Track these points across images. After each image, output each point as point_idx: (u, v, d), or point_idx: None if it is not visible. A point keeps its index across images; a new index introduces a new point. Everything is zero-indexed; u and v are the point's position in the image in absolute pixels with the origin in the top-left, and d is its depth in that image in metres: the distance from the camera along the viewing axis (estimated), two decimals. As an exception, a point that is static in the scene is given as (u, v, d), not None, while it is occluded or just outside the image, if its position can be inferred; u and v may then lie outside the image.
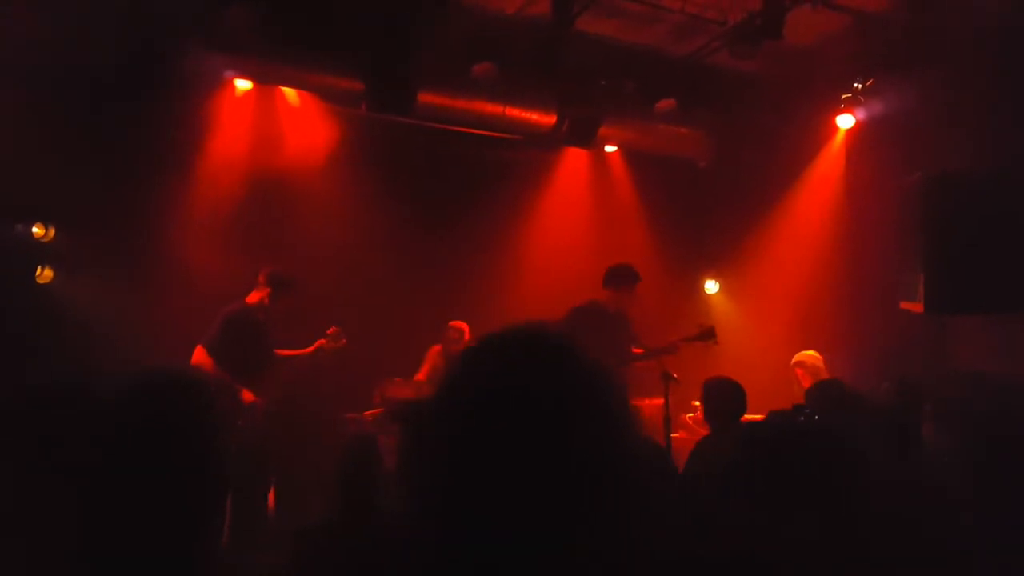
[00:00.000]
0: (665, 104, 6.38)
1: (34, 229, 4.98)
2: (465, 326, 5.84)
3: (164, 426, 1.20)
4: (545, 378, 0.85)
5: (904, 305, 4.79)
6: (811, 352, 4.80)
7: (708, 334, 4.97)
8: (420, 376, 5.85)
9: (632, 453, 0.86)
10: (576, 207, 7.15)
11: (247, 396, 4.65)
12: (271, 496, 4.95)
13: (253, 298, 4.89)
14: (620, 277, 5.25)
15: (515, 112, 6.18)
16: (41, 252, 5.00)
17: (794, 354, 4.93)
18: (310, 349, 5.08)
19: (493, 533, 0.80)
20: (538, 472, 0.80)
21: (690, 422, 6.07)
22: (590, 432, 0.83)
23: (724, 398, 3.74)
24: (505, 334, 0.92)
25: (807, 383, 4.60)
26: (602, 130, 6.46)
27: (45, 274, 5.02)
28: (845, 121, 6.12)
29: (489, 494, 0.81)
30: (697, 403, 6.01)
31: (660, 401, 4.81)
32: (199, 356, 4.63)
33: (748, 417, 3.90)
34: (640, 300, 5.45)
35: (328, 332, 5.06)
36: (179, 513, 1.18)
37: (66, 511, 1.19)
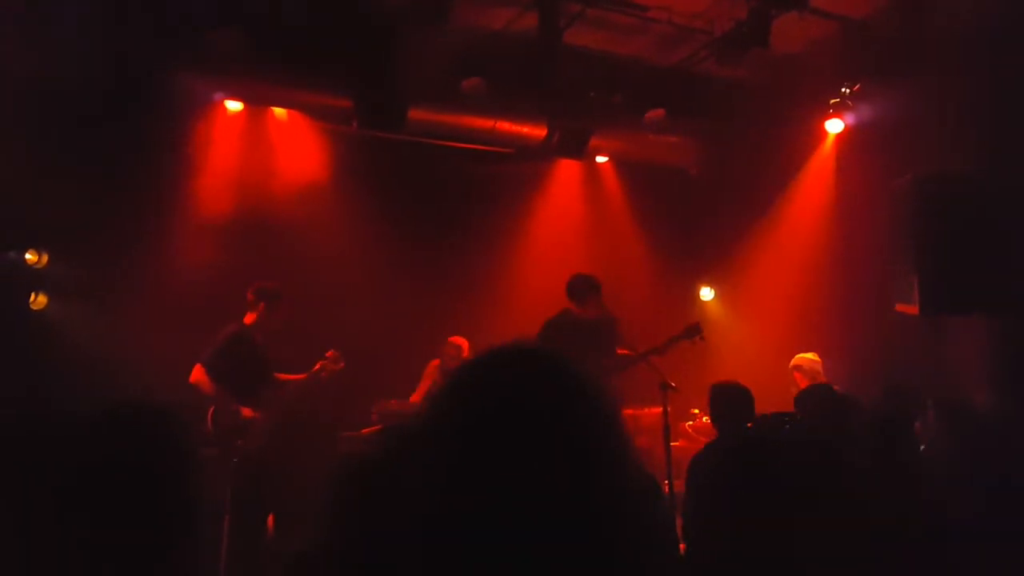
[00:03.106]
0: (654, 114, 6.40)
1: (27, 255, 4.97)
2: (464, 342, 5.82)
3: (131, 456, 1.21)
4: (535, 395, 0.85)
5: (899, 307, 4.78)
6: (810, 355, 4.77)
7: (693, 330, 4.95)
8: (417, 394, 5.83)
9: (629, 465, 0.86)
10: (570, 218, 7.16)
11: (246, 413, 4.66)
12: (270, 518, 4.92)
13: (250, 318, 4.89)
14: (577, 290, 5.16)
15: (506, 126, 6.21)
16: (35, 278, 4.98)
17: (791, 358, 4.91)
18: (308, 373, 5.05)
19: (488, 553, 0.80)
20: (535, 489, 0.80)
21: (690, 431, 6.05)
22: (584, 446, 0.83)
23: (730, 404, 3.68)
24: (493, 353, 0.92)
25: (804, 386, 4.59)
26: (593, 141, 6.48)
27: (39, 300, 5.01)
28: (834, 126, 6.16)
29: (484, 514, 0.80)
30: (696, 411, 6.00)
31: (659, 410, 4.79)
32: (198, 374, 4.65)
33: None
34: (630, 307, 5.41)
35: (327, 355, 5.03)
36: (144, 540, 1.18)
37: (34, 539, 1.19)
